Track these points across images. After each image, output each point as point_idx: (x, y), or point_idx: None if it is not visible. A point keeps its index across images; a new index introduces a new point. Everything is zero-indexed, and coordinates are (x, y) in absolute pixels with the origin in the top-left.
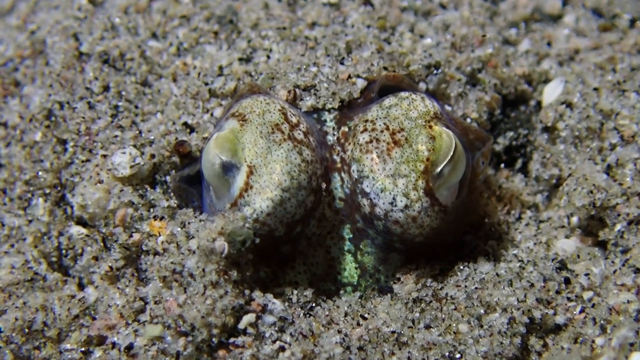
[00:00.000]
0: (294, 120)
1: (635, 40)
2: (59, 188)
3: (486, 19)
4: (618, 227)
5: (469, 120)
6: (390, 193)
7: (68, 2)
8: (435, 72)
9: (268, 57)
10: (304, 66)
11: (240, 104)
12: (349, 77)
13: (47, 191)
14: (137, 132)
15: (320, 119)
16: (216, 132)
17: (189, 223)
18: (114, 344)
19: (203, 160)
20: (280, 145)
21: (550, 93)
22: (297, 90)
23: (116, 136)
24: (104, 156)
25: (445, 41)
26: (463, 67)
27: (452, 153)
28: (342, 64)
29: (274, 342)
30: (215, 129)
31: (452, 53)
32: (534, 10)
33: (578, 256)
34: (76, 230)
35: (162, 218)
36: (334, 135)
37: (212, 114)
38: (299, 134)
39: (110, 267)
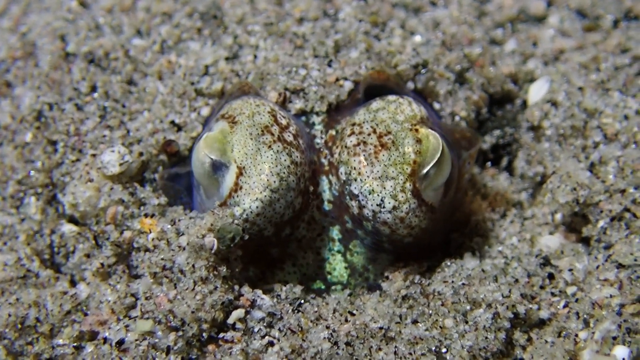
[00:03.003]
0: (284, 122)
1: (619, 40)
2: (50, 187)
3: (474, 18)
4: (601, 223)
5: (457, 118)
6: (378, 195)
7: (58, 4)
8: (423, 70)
9: (255, 55)
10: (294, 68)
11: (230, 105)
12: (337, 79)
13: (39, 190)
14: (125, 131)
15: (309, 122)
16: (206, 132)
17: (179, 220)
18: (105, 339)
19: (193, 159)
20: (269, 147)
21: (536, 92)
22: (287, 92)
23: (105, 136)
24: (94, 155)
25: (436, 39)
26: (452, 66)
27: (438, 155)
28: (329, 66)
29: (262, 337)
30: (205, 129)
31: (441, 51)
32: (520, 11)
33: (562, 252)
34: (68, 228)
35: (152, 215)
36: (321, 138)
37: (199, 113)
38: (288, 135)
39: (102, 264)
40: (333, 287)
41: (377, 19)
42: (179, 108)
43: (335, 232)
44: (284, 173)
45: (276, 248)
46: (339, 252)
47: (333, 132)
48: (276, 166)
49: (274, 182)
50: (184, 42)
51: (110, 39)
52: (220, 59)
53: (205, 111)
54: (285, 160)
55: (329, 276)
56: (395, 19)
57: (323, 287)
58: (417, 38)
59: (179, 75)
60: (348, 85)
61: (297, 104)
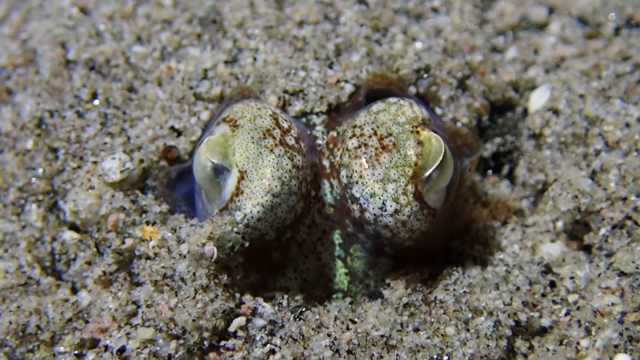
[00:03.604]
0: (286, 125)
1: (620, 47)
2: (51, 194)
3: (476, 25)
4: (602, 231)
5: (459, 124)
6: (380, 198)
7: (59, 11)
8: (425, 75)
9: (254, 58)
10: (293, 70)
11: (231, 109)
12: (338, 81)
13: (40, 197)
14: (126, 138)
15: (309, 123)
16: (207, 136)
17: (179, 228)
18: (106, 347)
19: (194, 163)
20: (271, 150)
21: (537, 100)
22: (286, 96)
23: (105, 143)
24: (95, 162)
25: (437, 45)
26: (454, 72)
27: (441, 157)
28: (330, 68)
29: (264, 345)
30: (206, 132)
31: (443, 57)
32: (521, 18)
33: (563, 260)
34: (69, 235)
35: (153, 223)
36: (323, 139)
37: (198, 117)
38: (290, 139)
39: (104, 272)
40: (334, 295)
41: (378, 24)
42: (179, 113)
43: (336, 237)
44: (286, 177)
45: (277, 252)
46: (339, 257)
47: (334, 134)
48: (278, 170)
49: (276, 186)
50: (183, 48)
51: (111, 46)
52: (219, 63)
53: (204, 115)
54: (287, 164)
55: (329, 283)
56: (397, 24)
57: (323, 294)
58: (419, 44)
59: (178, 80)
60: (349, 88)
61: (297, 106)
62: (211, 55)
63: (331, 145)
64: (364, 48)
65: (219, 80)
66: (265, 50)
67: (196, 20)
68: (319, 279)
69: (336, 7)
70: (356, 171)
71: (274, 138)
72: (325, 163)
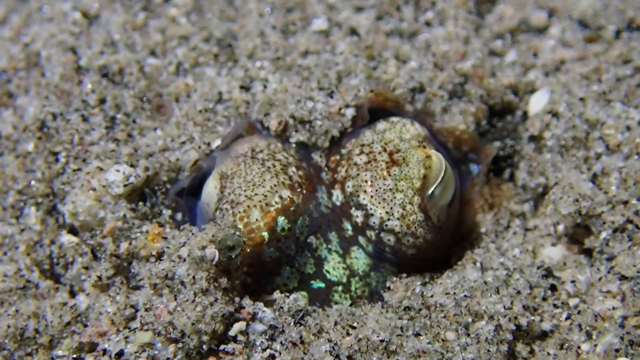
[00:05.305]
0: (258, 149)
1: (621, 51)
2: (51, 197)
3: (471, 31)
4: (603, 234)
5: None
6: (388, 204)
7: (61, 16)
8: (420, 93)
9: (265, 86)
10: (303, 99)
11: (234, 145)
12: (339, 109)
13: (40, 200)
14: (132, 147)
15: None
16: (217, 169)
17: (180, 231)
18: (104, 351)
19: (203, 193)
20: (243, 160)
21: (537, 103)
22: (289, 120)
23: (113, 151)
24: (96, 166)
25: (428, 62)
26: (445, 85)
27: (442, 175)
28: (331, 97)
29: (264, 350)
30: (216, 159)
31: (434, 73)
32: (521, 22)
33: (564, 264)
34: (67, 238)
35: (158, 225)
36: (322, 163)
37: (208, 145)
38: (261, 155)
39: (99, 277)
40: (334, 288)
41: (372, 53)
42: (192, 130)
43: (333, 234)
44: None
45: (271, 247)
46: (336, 252)
47: (337, 157)
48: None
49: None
50: (200, 67)
51: (126, 55)
52: (234, 89)
53: (216, 143)
54: (283, 192)
55: (327, 275)
56: (390, 48)
57: (323, 285)
58: (412, 63)
59: (194, 99)
60: (350, 113)
61: (301, 136)
62: (226, 81)
63: (333, 165)
64: (364, 73)
65: (232, 105)
66: (274, 80)
67: (214, 39)
68: (317, 271)
69: (330, 39)
70: (366, 181)
71: (245, 156)
72: (324, 175)
